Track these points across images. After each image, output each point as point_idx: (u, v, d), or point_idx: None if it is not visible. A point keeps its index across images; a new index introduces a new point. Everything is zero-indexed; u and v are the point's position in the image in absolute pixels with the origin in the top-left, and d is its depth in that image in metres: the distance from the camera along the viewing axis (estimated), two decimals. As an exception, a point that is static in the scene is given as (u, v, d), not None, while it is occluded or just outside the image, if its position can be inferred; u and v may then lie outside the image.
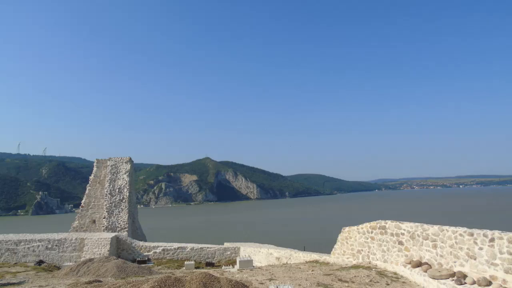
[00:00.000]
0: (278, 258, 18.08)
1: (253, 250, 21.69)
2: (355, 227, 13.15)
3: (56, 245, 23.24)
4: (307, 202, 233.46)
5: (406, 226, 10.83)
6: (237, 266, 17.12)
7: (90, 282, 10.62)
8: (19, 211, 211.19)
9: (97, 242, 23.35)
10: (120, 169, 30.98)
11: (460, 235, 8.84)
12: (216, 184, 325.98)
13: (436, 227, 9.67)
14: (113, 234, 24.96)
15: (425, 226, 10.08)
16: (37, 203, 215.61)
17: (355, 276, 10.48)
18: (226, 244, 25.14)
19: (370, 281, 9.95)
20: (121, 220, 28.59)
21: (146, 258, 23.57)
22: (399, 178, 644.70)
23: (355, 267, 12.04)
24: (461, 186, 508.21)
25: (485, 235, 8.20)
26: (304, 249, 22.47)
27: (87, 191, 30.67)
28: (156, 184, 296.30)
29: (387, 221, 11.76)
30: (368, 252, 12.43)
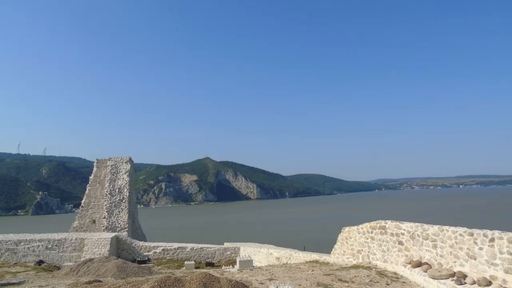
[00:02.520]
0: (278, 258, 18.07)
1: (253, 250, 21.67)
2: (355, 227, 13.14)
3: (56, 245, 23.20)
4: (307, 202, 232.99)
5: (406, 226, 10.83)
6: (237, 266, 17.11)
7: (90, 282, 10.61)
8: (19, 211, 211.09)
9: (97, 242, 23.31)
10: (120, 169, 30.96)
11: (460, 235, 8.84)
12: (216, 184, 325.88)
13: (436, 227, 9.67)
14: (113, 234, 24.93)
15: (425, 226, 10.08)
16: (37, 203, 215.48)
17: (355, 276, 10.48)
18: (226, 244, 25.11)
19: (370, 281, 9.95)
20: (121, 220, 28.57)
21: (146, 258, 23.54)
22: (399, 178, 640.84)
23: (355, 267, 12.03)
24: (461, 186, 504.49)
25: (485, 235, 8.20)
26: (304, 249, 22.43)
27: (87, 191, 30.65)
28: (156, 184, 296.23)
29: (387, 221, 11.75)
30: (368, 252, 12.42)
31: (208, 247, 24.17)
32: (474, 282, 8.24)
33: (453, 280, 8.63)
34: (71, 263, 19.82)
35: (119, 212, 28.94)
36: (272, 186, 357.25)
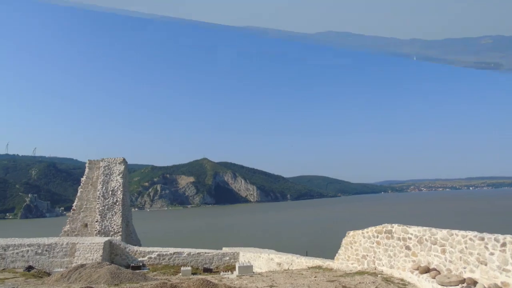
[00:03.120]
0: (279, 264, 17.67)
1: (253, 255, 21.25)
2: (360, 231, 12.83)
3: (46, 250, 22.54)
4: (310, 205, 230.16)
5: (414, 230, 10.56)
6: (236, 272, 16.75)
7: (81, 290, 10.08)
8: (7, 214, 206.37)
9: (89, 247, 22.71)
10: (113, 170, 30.32)
11: (470, 239, 8.62)
12: (214, 186, 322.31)
13: (445, 231, 9.44)
14: (106, 239, 24.32)
15: (434, 230, 9.85)
16: (26, 206, 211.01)
17: (360, 283, 10.16)
18: (225, 249, 24.66)
19: (376, 287, 9.61)
20: (114, 224, 27.91)
21: (141, 264, 23.00)
22: (406, 179, 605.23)
23: (360, 273, 11.72)
24: (471, 188, 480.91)
25: (496, 240, 8.01)
26: (306, 254, 22.00)
27: (78, 194, 29.97)
28: (151, 186, 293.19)
29: (393, 224, 11.48)
30: (374, 257, 12.10)
31: (205, 252, 23.68)
32: (486, 289, 7.97)
33: (462, 286, 8.41)
34: (62, 269, 19.27)
35: (112, 215, 28.26)
36: (273, 188, 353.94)
